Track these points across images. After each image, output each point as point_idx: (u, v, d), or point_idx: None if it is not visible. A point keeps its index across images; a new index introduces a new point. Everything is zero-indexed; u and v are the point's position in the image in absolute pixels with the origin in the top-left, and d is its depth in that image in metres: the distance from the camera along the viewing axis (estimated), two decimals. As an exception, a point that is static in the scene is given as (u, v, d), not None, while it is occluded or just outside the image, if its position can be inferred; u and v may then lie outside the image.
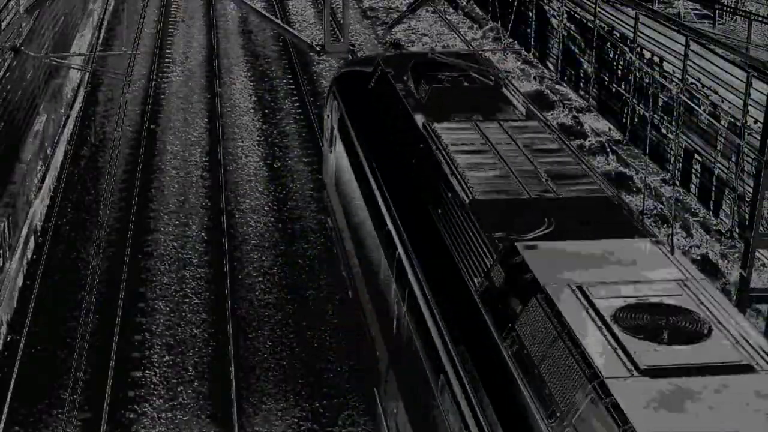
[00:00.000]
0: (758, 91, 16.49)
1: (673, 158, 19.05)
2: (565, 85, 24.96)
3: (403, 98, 15.04)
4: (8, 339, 16.69)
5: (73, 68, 25.88)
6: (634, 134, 20.87)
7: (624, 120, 21.20)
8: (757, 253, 14.90)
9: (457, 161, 12.47)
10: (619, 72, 21.67)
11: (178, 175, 23.30)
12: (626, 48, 21.24)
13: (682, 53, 18.69)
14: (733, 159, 16.97)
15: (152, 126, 26.22)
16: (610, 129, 21.86)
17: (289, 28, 15.60)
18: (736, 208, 16.73)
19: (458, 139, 13.23)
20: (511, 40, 28.67)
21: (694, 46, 18.58)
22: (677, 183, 18.85)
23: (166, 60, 31.88)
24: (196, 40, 34.20)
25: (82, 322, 16.80)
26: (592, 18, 22.84)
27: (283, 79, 29.88)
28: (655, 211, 18.76)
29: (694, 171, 18.07)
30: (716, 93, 17.76)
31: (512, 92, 15.24)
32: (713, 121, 17.58)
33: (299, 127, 26.05)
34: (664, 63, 19.66)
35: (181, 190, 22.54)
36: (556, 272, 9.69)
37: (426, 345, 10.96)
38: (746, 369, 8.23)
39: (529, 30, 27.18)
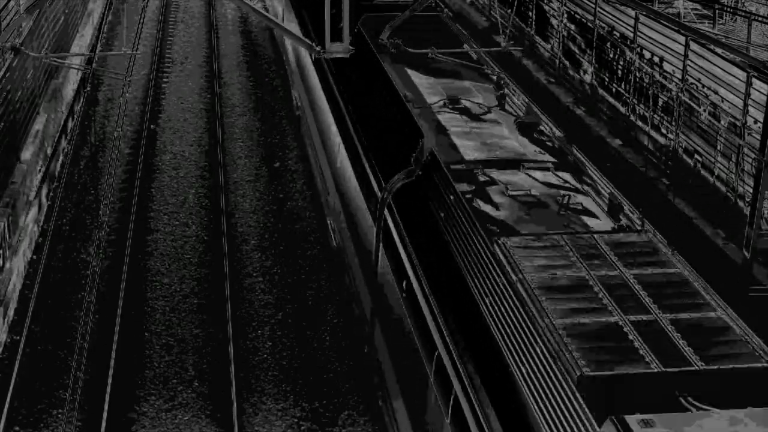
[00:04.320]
0: (758, 91, 16.47)
1: (673, 158, 19.06)
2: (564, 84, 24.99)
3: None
4: (8, 339, 16.68)
5: (73, 68, 25.87)
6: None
7: (623, 120, 21.23)
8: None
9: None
10: (619, 72, 21.68)
11: (177, 175, 23.31)
12: (626, 48, 21.24)
13: (682, 53, 18.68)
14: (733, 159, 16.96)
15: (152, 126, 26.22)
16: (609, 131, 21.91)
17: (288, 29, 15.59)
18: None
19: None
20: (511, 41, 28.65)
21: (694, 46, 18.57)
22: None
23: (166, 60, 31.88)
24: (196, 39, 34.20)
25: (82, 322, 16.80)
26: (592, 18, 22.82)
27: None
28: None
29: (694, 171, 18.06)
30: (716, 93, 17.75)
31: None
32: (713, 121, 17.59)
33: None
34: (664, 63, 19.65)
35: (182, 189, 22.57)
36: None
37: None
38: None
39: (529, 30, 27.17)
